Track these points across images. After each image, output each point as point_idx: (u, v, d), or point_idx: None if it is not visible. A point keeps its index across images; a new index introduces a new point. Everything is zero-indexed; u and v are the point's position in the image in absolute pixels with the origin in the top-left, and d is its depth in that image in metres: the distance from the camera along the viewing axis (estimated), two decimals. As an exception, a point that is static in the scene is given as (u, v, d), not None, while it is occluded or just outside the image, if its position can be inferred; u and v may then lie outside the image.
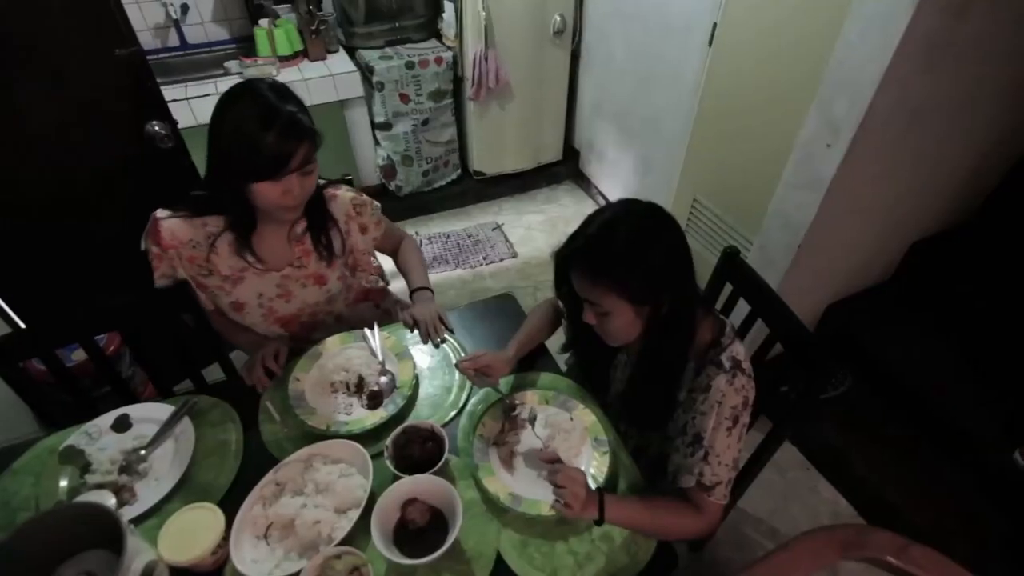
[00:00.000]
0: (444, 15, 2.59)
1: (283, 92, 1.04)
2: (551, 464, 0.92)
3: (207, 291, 1.20)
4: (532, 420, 1.07)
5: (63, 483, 0.98)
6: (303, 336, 1.33)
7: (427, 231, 2.88)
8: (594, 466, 1.01)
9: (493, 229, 2.90)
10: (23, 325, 1.59)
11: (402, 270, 1.42)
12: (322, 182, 1.19)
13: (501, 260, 2.72)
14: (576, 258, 0.91)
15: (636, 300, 0.88)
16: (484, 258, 2.72)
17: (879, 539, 0.88)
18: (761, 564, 0.84)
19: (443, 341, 1.25)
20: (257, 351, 1.17)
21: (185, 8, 2.46)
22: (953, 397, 1.74)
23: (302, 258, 1.21)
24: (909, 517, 1.58)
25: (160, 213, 1.12)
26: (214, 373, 1.33)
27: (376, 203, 1.32)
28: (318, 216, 1.20)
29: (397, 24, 2.59)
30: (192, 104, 2.22)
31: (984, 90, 1.45)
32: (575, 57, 2.84)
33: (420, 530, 0.91)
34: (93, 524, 0.80)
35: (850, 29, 1.23)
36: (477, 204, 3.07)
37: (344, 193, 1.25)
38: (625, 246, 0.87)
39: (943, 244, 1.95)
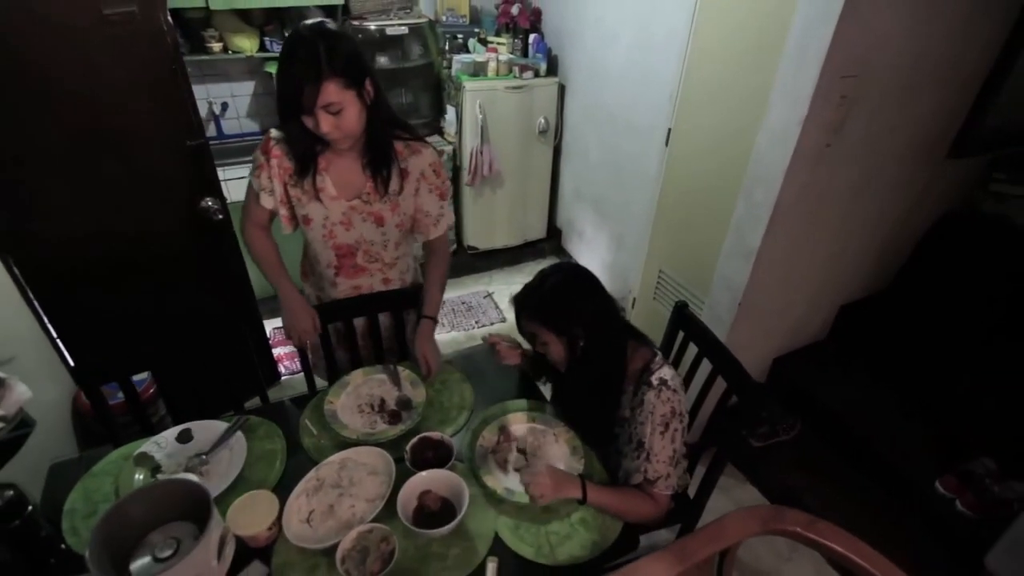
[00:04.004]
0: (446, 116, 3.06)
1: (326, 35, 1.14)
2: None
3: (291, 200, 1.37)
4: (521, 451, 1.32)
5: (138, 477, 1.20)
6: (347, 279, 1.49)
7: (425, 298, 3.18)
8: (572, 468, 1.26)
9: (484, 297, 3.23)
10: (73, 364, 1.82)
11: (424, 280, 1.55)
12: (406, 137, 1.36)
13: (492, 324, 3.01)
14: (519, 302, 1.24)
15: (557, 332, 1.19)
16: (476, 322, 3.02)
17: (792, 516, 1.13)
18: (699, 532, 1.09)
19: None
20: (294, 322, 1.43)
21: (225, 106, 2.90)
22: (886, 437, 2.01)
23: (370, 195, 1.36)
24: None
25: (273, 132, 1.32)
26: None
27: (448, 185, 1.46)
28: (378, 155, 1.31)
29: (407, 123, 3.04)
30: (228, 184, 2.56)
31: (872, 183, 1.86)
32: (557, 152, 3.32)
33: (433, 514, 1.13)
34: (183, 497, 1.02)
35: (761, 139, 1.65)
36: (471, 275, 3.41)
37: (428, 153, 1.38)
38: (549, 292, 1.20)
39: (867, 307, 2.30)
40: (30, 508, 1.02)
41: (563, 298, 1.19)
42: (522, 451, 1.30)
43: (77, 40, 1.50)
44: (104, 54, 1.55)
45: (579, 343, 1.20)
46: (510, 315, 3.07)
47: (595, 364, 1.22)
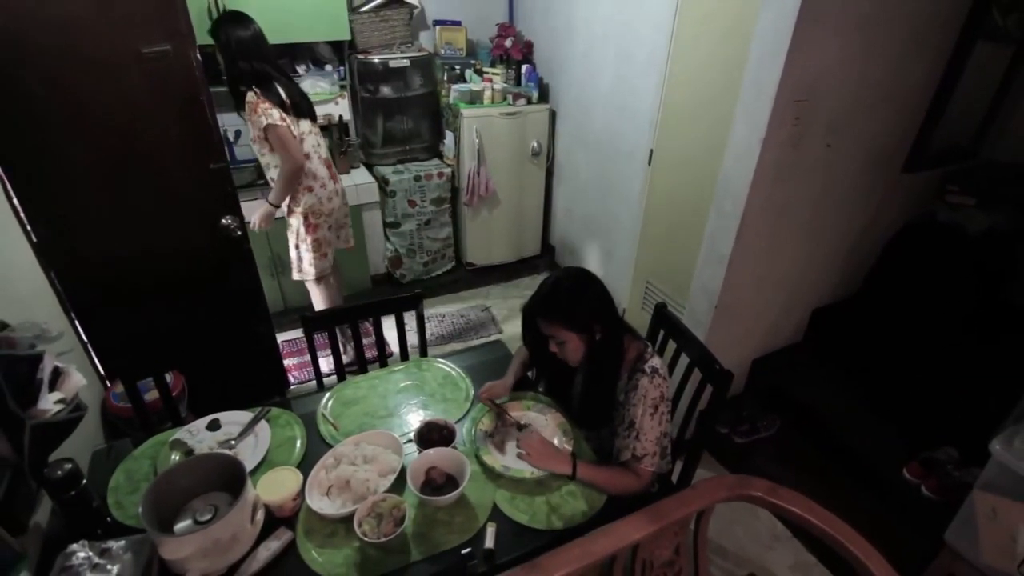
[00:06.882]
0: (445, 140, 3.27)
1: None
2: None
3: None
4: (519, 426, 1.47)
5: (174, 457, 1.34)
6: None
7: (427, 312, 3.32)
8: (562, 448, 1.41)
9: (482, 311, 3.39)
10: (103, 371, 1.97)
11: None
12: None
13: (489, 336, 3.16)
14: (537, 308, 1.36)
15: (579, 330, 1.32)
16: (475, 333, 3.17)
17: (755, 484, 1.29)
18: (673, 496, 1.23)
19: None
20: None
21: (239, 133, 3.09)
22: (857, 431, 2.16)
23: None
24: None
25: None
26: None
27: (259, 116, 2.16)
28: None
29: (407, 147, 3.27)
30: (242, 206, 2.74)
31: (833, 195, 2.05)
32: (549, 173, 3.53)
33: (439, 487, 1.27)
34: (220, 469, 1.17)
35: (728, 156, 1.84)
36: (469, 290, 3.58)
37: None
38: (567, 295, 1.33)
39: (837, 311, 2.47)
40: (84, 482, 1.16)
41: (581, 299, 1.32)
42: (523, 426, 1.46)
43: (118, 76, 1.69)
44: (141, 88, 1.73)
45: (596, 337, 1.33)
46: (506, 328, 3.26)
47: (605, 355, 1.37)
